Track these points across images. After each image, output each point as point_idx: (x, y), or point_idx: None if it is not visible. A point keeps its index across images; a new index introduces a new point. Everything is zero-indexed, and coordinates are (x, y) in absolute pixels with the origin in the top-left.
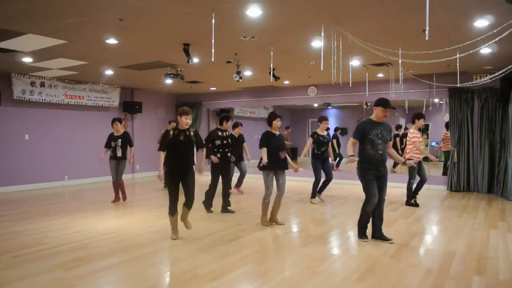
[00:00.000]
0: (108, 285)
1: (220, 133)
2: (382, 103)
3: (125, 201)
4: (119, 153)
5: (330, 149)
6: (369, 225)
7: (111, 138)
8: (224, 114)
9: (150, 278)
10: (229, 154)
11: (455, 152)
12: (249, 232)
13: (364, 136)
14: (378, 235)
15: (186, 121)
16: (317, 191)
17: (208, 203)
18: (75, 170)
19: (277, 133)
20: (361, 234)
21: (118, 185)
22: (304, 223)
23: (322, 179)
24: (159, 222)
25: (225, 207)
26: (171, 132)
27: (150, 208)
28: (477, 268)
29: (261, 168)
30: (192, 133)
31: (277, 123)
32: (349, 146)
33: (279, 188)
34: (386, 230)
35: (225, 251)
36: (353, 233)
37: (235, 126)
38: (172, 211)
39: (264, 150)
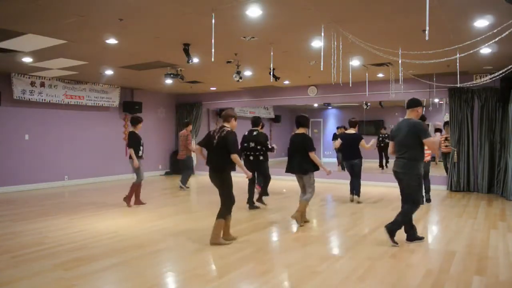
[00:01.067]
0: (108, 285)
1: None
2: (421, 103)
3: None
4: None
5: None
6: (370, 224)
7: (139, 137)
8: (257, 116)
9: (150, 278)
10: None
11: (455, 152)
12: (249, 232)
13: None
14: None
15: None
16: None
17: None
18: (75, 170)
19: None
20: (415, 236)
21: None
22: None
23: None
24: (159, 222)
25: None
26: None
27: (150, 208)
28: (477, 268)
29: (308, 171)
30: None
31: None
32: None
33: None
34: None
35: (225, 251)
36: (353, 233)
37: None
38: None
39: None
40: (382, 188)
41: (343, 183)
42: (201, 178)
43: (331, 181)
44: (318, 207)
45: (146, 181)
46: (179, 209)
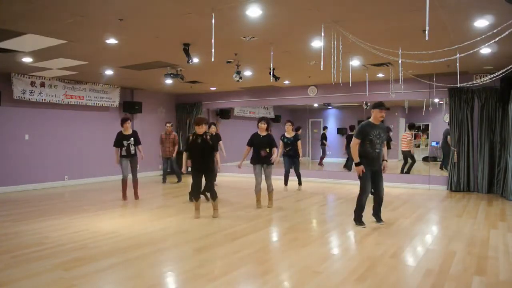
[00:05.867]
0: (108, 285)
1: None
2: (374, 105)
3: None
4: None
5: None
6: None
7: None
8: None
9: (150, 278)
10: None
11: (455, 152)
12: (249, 232)
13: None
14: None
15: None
16: None
17: None
18: (75, 170)
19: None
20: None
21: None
22: (304, 223)
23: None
24: (159, 222)
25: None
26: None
27: (150, 208)
28: (477, 268)
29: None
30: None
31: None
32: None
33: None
34: (386, 230)
35: (225, 251)
36: (353, 233)
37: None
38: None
39: None
40: None
41: (344, 183)
42: None
43: (331, 181)
44: (318, 207)
45: (146, 181)
46: (179, 209)
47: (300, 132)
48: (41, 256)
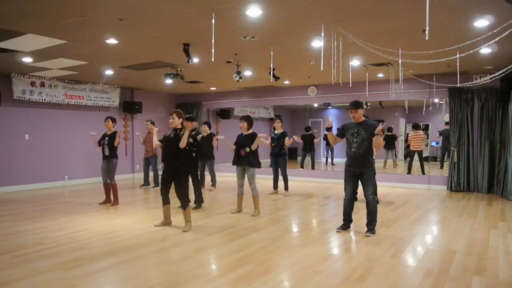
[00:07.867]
0: (108, 285)
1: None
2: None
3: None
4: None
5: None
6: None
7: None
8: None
9: (150, 278)
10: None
11: (455, 152)
12: (249, 232)
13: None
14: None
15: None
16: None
17: None
18: (75, 170)
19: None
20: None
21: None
22: (304, 223)
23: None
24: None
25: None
26: None
27: (149, 208)
28: (477, 268)
29: None
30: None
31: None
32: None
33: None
34: (386, 230)
35: (225, 251)
36: (353, 233)
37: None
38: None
39: None
40: (382, 188)
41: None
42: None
43: (331, 181)
44: (318, 207)
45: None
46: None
47: (311, 132)
48: (41, 256)
